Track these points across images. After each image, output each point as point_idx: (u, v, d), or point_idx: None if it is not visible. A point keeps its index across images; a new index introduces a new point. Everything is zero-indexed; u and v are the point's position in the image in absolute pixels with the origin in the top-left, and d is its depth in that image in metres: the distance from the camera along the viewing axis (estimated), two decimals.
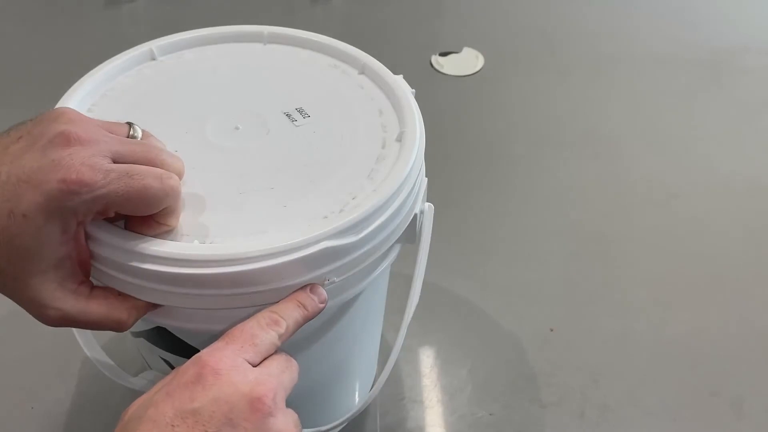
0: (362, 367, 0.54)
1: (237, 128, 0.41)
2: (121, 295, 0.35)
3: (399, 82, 0.44)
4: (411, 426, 0.57)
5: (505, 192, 0.78)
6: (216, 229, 0.35)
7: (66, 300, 0.33)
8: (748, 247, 0.73)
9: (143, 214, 0.33)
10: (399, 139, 0.40)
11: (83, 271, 0.34)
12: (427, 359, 0.62)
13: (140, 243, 0.34)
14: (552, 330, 0.64)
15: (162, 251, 0.33)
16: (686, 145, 0.85)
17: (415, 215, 0.40)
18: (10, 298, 0.34)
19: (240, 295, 0.34)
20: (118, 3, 1.05)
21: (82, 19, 1.03)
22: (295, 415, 0.33)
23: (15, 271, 0.32)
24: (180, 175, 0.35)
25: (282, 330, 0.34)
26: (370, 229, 0.36)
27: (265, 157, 0.39)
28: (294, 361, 0.34)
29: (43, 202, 0.30)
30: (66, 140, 0.31)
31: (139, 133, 0.35)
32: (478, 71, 0.95)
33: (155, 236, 0.34)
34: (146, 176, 0.32)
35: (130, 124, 0.35)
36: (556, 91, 0.93)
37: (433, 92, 0.91)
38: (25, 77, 0.92)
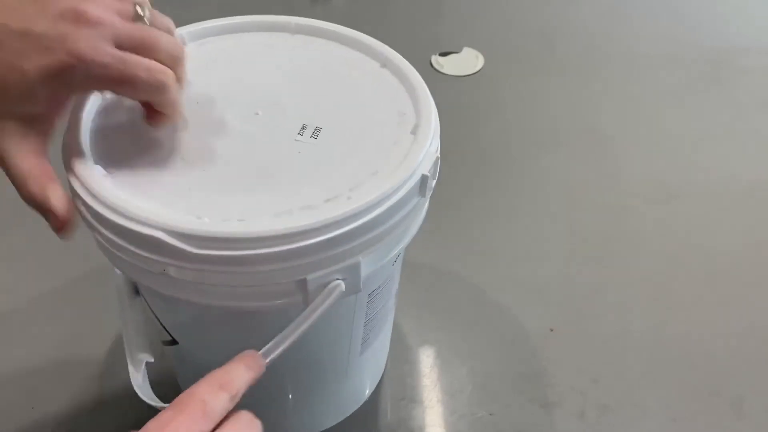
0: (375, 355, 0.55)
1: (257, 114, 0.42)
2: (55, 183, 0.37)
3: (419, 77, 0.44)
4: (411, 426, 0.57)
5: (505, 192, 0.78)
6: (237, 209, 0.36)
7: (18, 153, 0.36)
8: (748, 247, 0.73)
9: (138, 99, 0.37)
10: (413, 132, 0.40)
11: (46, 132, 0.37)
12: (427, 359, 0.62)
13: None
14: (552, 330, 0.64)
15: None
16: (686, 145, 0.85)
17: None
18: None
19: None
20: None
21: None
22: None
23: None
24: (176, 61, 0.37)
25: (234, 392, 0.33)
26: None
27: (282, 143, 0.40)
28: (257, 421, 0.34)
29: (44, 65, 0.33)
30: (76, 17, 0.34)
31: (147, 14, 0.37)
32: (478, 71, 0.95)
33: (158, 126, 0.38)
34: (136, 67, 0.35)
35: (135, 4, 0.37)
36: (556, 91, 0.93)
37: (433, 92, 0.90)
38: None
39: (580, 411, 0.58)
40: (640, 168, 0.82)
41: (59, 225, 0.37)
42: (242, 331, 0.43)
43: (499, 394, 0.59)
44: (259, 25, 0.49)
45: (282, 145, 0.40)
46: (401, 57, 0.45)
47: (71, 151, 0.38)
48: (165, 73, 0.36)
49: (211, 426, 0.31)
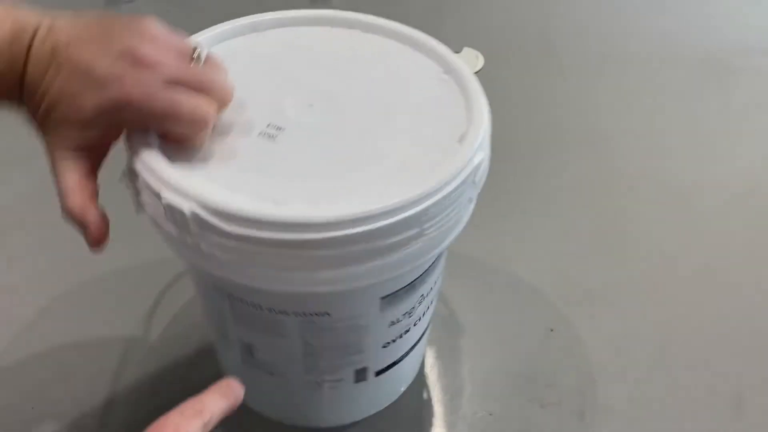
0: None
1: (311, 105, 0.43)
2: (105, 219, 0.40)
3: (473, 80, 0.45)
4: (411, 426, 0.57)
5: (505, 192, 0.78)
6: (300, 193, 0.37)
7: (67, 169, 0.38)
8: (748, 247, 0.73)
9: (176, 133, 0.38)
10: (461, 141, 0.41)
11: (96, 161, 0.40)
12: (427, 359, 0.62)
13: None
14: (552, 330, 0.64)
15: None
16: (686, 144, 0.85)
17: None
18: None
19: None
20: (118, 3, 1.05)
21: None
22: None
23: (54, 141, 0.38)
24: (224, 102, 0.40)
25: (207, 418, 0.33)
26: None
27: (332, 137, 0.41)
28: None
29: (97, 104, 0.36)
30: (134, 60, 0.36)
31: (203, 58, 0.39)
32: (478, 71, 0.95)
33: (184, 149, 0.39)
34: (183, 106, 0.37)
35: (195, 48, 0.39)
36: (556, 91, 0.93)
37: None
38: None
39: (580, 411, 0.58)
40: (640, 168, 0.82)
41: (93, 240, 0.39)
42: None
43: (499, 394, 0.59)
44: (328, 20, 0.50)
45: (340, 135, 0.41)
46: (461, 62, 0.47)
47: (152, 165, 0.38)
48: (209, 113, 0.38)
49: None
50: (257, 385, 0.51)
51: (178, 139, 0.38)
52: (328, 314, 0.43)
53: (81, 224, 0.39)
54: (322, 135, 0.41)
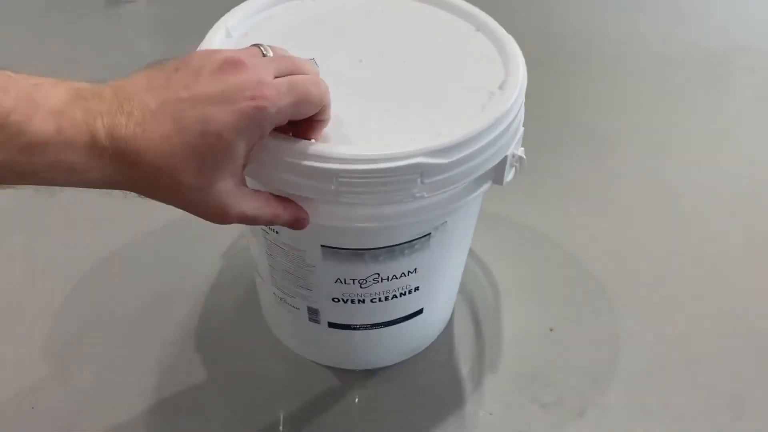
0: (442, 300, 0.60)
1: (361, 61, 0.46)
2: (277, 197, 0.40)
3: (511, 40, 0.50)
4: (411, 426, 0.57)
5: (505, 192, 0.78)
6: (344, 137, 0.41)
7: (243, 201, 0.37)
8: (748, 247, 0.73)
9: (307, 116, 0.38)
10: (501, 87, 0.45)
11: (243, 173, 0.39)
12: (427, 359, 0.62)
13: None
14: (552, 330, 0.64)
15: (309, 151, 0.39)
16: (686, 144, 0.85)
17: (506, 156, 0.44)
18: (187, 208, 0.37)
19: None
20: (118, 3, 1.05)
21: (82, 19, 1.03)
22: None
23: (202, 183, 0.35)
24: (318, 75, 0.39)
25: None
26: (459, 156, 0.40)
27: (384, 87, 0.45)
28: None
29: (236, 121, 0.33)
30: (236, 66, 0.34)
31: (270, 52, 0.38)
32: None
33: (318, 136, 0.40)
34: (306, 83, 0.36)
35: (258, 46, 0.38)
36: (556, 91, 0.93)
37: None
38: None
39: (580, 411, 0.58)
40: (640, 168, 0.82)
41: (300, 226, 0.41)
42: None
43: (499, 394, 0.59)
44: None
45: (384, 89, 0.45)
46: (496, 22, 0.51)
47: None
48: (321, 79, 0.38)
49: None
50: (279, 315, 0.58)
51: (311, 125, 0.39)
52: (276, 232, 0.47)
53: (287, 225, 0.40)
54: (374, 85, 0.45)
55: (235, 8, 0.49)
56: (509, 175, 0.46)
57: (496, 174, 0.45)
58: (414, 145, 0.39)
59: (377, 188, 0.39)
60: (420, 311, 0.55)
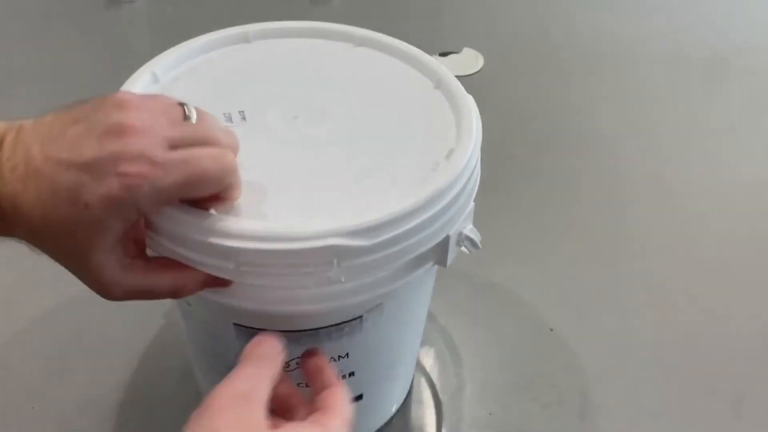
0: (388, 385, 0.54)
1: (296, 117, 0.42)
2: (175, 263, 0.36)
3: (470, 102, 0.43)
4: (411, 426, 0.57)
5: (505, 192, 0.78)
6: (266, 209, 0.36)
7: (124, 275, 0.34)
8: (748, 247, 0.73)
9: (206, 195, 0.34)
10: (449, 157, 0.39)
11: (138, 247, 0.36)
12: (427, 359, 0.62)
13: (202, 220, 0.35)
14: (552, 330, 0.64)
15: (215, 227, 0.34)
16: (686, 144, 0.85)
17: (448, 236, 0.38)
18: (74, 273, 0.35)
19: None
20: (118, 3, 1.05)
21: (82, 19, 1.03)
22: None
23: (76, 254, 0.33)
24: (235, 150, 0.36)
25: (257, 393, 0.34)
26: (384, 237, 0.35)
27: (316, 149, 0.40)
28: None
29: (105, 194, 0.30)
30: (121, 131, 0.31)
31: (194, 114, 0.34)
32: (478, 71, 0.95)
33: (225, 210, 0.35)
34: (202, 159, 0.32)
35: (183, 105, 0.34)
36: (556, 91, 0.93)
37: None
38: (25, 77, 0.92)
39: (580, 411, 0.58)
40: (640, 167, 0.82)
41: (222, 285, 0.36)
42: None
43: (499, 394, 0.59)
44: (322, 33, 0.49)
45: (317, 152, 0.40)
46: (457, 82, 0.45)
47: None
48: (229, 155, 0.34)
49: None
50: None
51: (212, 199, 0.35)
52: (189, 304, 0.43)
53: (171, 294, 0.36)
54: (306, 147, 0.40)
55: (169, 50, 0.45)
56: (452, 256, 0.40)
57: (438, 255, 0.39)
58: (330, 224, 0.34)
59: (284, 270, 0.34)
60: (359, 397, 0.48)
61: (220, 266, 0.35)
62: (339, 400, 0.36)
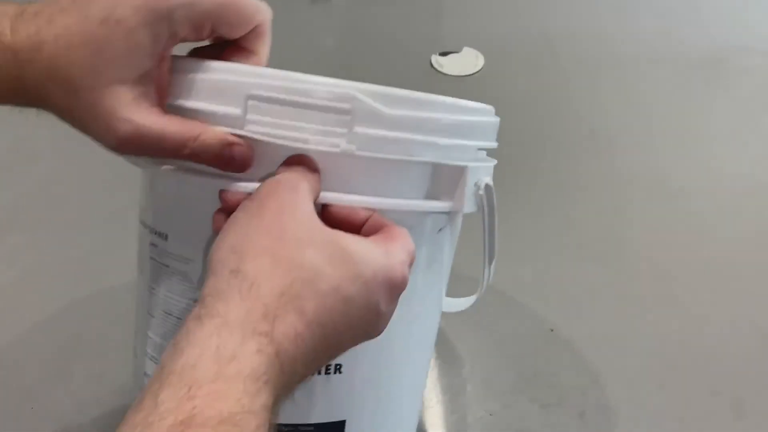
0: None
1: None
2: (191, 121, 0.34)
3: None
4: None
5: (505, 192, 0.78)
6: None
7: (140, 113, 0.32)
8: (748, 247, 0.73)
9: (235, 34, 0.33)
10: None
11: (159, 97, 0.33)
12: None
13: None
14: (552, 330, 0.64)
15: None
16: (687, 144, 0.85)
17: (466, 168, 0.38)
18: (79, 119, 0.32)
19: None
20: None
21: None
22: None
23: (94, 81, 0.31)
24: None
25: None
26: (403, 112, 0.35)
27: None
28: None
29: (140, 4, 0.30)
30: None
31: None
32: (478, 71, 0.95)
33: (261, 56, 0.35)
34: None
35: None
36: (556, 90, 0.93)
37: (433, 92, 0.91)
38: None
39: (580, 411, 0.58)
40: (640, 168, 0.82)
41: (237, 163, 0.34)
42: None
43: (499, 394, 0.59)
44: None
45: None
46: None
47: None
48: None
49: None
50: None
51: (240, 53, 0.35)
52: (165, 237, 0.39)
53: (218, 157, 0.33)
54: None
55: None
56: (469, 199, 0.39)
57: (452, 187, 0.38)
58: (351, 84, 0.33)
59: (295, 116, 0.33)
60: (340, 424, 0.41)
61: (229, 113, 0.33)
62: (399, 230, 0.34)
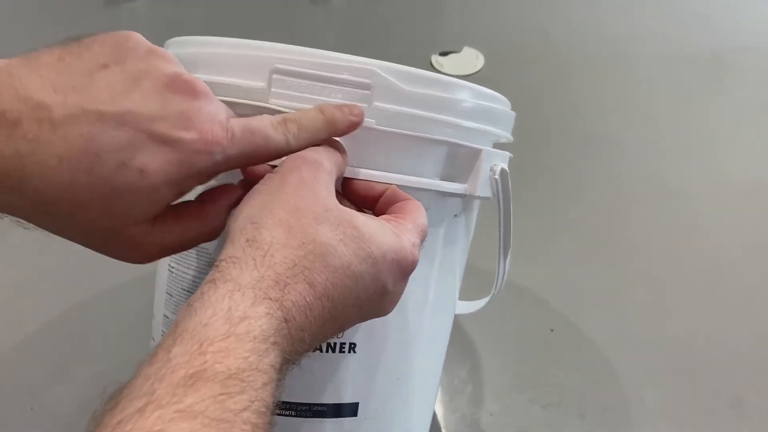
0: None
1: None
2: (202, 203, 0.33)
3: None
4: None
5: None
6: None
7: (163, 234, 0.31)
8: (748, 247, 0.73)
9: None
10: None
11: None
12: None
13: None
14: (552, 330, 0.64)
15: None
16: (687, 145, 0.85)
17: (481, 150, 0.40)
18: (94, 247, 0.31)
19: None
20: (118, 3, 1.05)
21: (81, 19, 1.03)
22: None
23: (113, 224, 0.29)
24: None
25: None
26: (422, 90, 0.36)
27: None
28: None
29: (172, 160, 0.27)
30: (191, 90, 0.29)
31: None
32: (478, 71, 0.95)
33: None
34: (265, 128, 0.31)
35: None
36: (556, 91, 0.93)
37: None
38: None
39: (580, 411, 0.58)
40: (641, 168, 0.82)
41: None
42: None
43: (499, 394, 0.59)
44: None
45: None
46: None
47: None
48: (289, 122, 0.33)
49: None
50: None
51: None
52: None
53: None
54: None
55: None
56: (483, 183, 0.40)
57: (467, 170, 0.40)
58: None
59: (316, 89, 0.34)
60: (354, 405, 0.41)
61: (254, 87, 0.34)
62: (413, 205, 0.35)
